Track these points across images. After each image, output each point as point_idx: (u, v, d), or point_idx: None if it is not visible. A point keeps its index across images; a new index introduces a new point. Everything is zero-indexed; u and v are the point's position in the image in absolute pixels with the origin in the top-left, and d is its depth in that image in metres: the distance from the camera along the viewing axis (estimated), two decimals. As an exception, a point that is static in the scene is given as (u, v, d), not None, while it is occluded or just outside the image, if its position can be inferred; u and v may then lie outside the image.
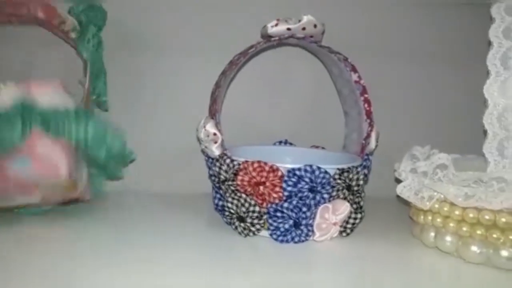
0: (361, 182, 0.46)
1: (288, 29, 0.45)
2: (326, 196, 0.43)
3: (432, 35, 0.61)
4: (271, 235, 0.44)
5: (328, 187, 0.43)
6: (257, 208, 0.43)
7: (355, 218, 0.46)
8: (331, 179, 0.43)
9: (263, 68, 0.61)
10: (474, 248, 0.39)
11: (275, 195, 0.43)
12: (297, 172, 0.42)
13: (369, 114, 0.51)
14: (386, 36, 0.61)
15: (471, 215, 0.38)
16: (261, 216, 0.43)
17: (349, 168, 0.44)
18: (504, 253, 0.37)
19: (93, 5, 0.51)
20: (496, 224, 0.37)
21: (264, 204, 0.43)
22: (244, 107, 0.62)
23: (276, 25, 0.45)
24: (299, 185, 0.42)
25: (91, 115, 0.45)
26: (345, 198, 0.45)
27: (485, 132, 0.37)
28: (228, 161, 0.45)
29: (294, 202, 0.42)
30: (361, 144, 0.52)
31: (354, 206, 0.46)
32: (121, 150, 0.45)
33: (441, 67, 0.61)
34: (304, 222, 0.43)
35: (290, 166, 0.42)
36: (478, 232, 0.38)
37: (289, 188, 0.42)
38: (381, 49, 0.61)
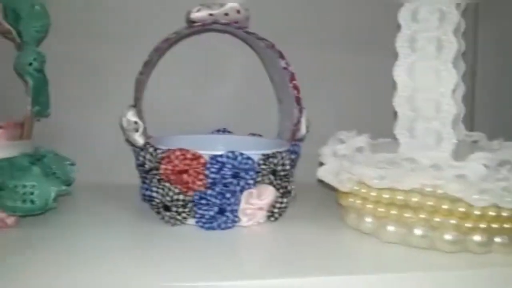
0: (287, 167, 0.46)
1: (211, 14, 0.45)
2: (250, 181, 0.43)
3: (360, 22, 0.62)
4: (197, 222, 0.44)
5: (252, 173, 0.43)
6: (181, 197, 0.43)
7: (281, 203, 0.46)
8: (255, 165, 0.43)
9: (201, 56, 0.61)
10: (390, 228, 0.40)
11: (199, 183, 0.42)
12: (220, 159, 0.42)
13: (298, 100, 0.51)
14: (316, 23, 0.61)
15: (385, 195, 0.39)
16: (186, 204, 0.43)
17: (273, 153, 0.45)
18: (417, 231, 0.39)
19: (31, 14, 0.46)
20: (408, 204, 0.38)
21: (190, 192, 0.43)
22: (184, 95, 0.61)
23: (199, 10, 0.45)
24: (222, 172, 0.42)
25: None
26: (271, 183, 0.45)
27: (395, 114, 0.38)
28: (151, 150, 0.44)
29: (218, 189, 0.42)
30: (292, 130, 0.52)
31: (281, 190, 0.46)
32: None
33: (371, 53, 0.62)
34: (229, 208, 0.43)
35: (212, 153, 0.42)
36: (393, 212, 0.39)
37: (212, 175, 0.42)
38: (312, 35, 0.61)
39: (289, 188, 0.47)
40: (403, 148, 0.38)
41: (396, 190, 0.39)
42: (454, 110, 0.35)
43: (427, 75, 0.36)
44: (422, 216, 0.38)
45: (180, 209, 0.43)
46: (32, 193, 0.42)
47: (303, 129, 0.51)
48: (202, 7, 0.45)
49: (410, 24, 0.36)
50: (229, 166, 0.42)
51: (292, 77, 0.51)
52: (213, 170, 0.42)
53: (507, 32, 0.69)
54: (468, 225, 0.37)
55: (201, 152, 0.42)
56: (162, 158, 0.43)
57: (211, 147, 0.53)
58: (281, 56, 0.50)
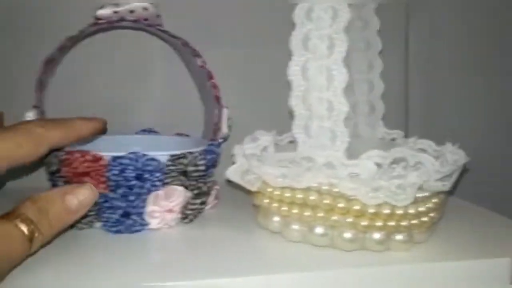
0: (201, 168, 0.45)
1: (115, 12, 0.44)
2: (157, 183, 0.42)
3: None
4: (103, 226, 0.42)
5: (158, 174, 0.42)
6: None
7: (194, 204, 0.45)
8: (162, 166, 0.42)
9: (126, 55, 0.60)
10: (293, 227, 0.40)
11: (101, 185, 0.41)
12: (121, 161, 0.41)
13: (217, 99, 0.51)
14: (238, 19, 0.61)
15: (287, 194, 0.39)
16: (90, 208, 0.42)
17: (183, 154, 0.44)
18: (318, 230, 0.39)
19: None
20: (307, 203, 0.38)
21: (94, 195, 0.42)
22: (111, 95, 0.60)
23: (103, 7, 0.44)
24: (124, 174, 0.41)
25: None
26: (182, 184, 0.44)
27: (290, 114, 0.38)
28: (54, 151, 0.43)
29: (121, 191, 0.41)
30: (213, 130, 0.52)
31: (195, 191, 0.45)
32: None
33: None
34: (134, 211, 0.42)
35: (113, 154, 0.41)
36: (294, 211, 0.39)
37: (113, 177, 0.41)
38: (233, 32, 0.61)
39: (204, 189, 0.47)
40: (300, 147, 0.38)
41: (296, 189, 0.38)
42: (345, 108, 0.35)
43: (319, 74, 0.35)
44: (320, 214, 0.38)
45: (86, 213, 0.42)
46: None
47: (224, 129, 0.51)
48: (107, 5, 0.44)
49: (304, 22, 0.36)
50: (132, 168, 0.41)
51: (210, 76, 0.50)
52: (114, 172, 0.41)
53: (438, 29, 0.71)
54: (364, 223, 0.37)
55: (102, 153, 0.41)
56: (63, 160, 0.41)
57: (129, 148, 0.52)
58: (197, 55, 0.50)
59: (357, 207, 0.37)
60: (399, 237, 0.38)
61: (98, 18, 0.44)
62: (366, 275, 0.37)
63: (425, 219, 0.38)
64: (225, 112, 0.51)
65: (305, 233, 0.39)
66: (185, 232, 0.44)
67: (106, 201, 0.41)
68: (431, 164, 0.36)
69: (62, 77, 0.57)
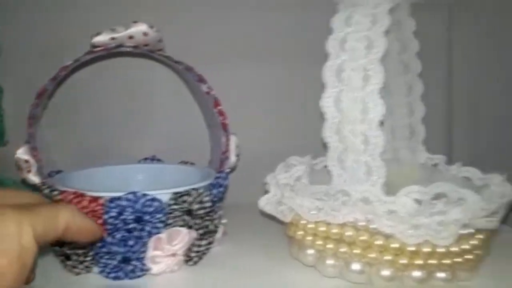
0: (207, 205, 0.40)
1: (113, 38, 0.40)
2: (159, 225, 0.38)
3: (284, 35, 0.58)
4: (101, 272, 0.38)
5: (160, 215, 0.37)
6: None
7: (200, 246, 0.40)
8: (164, 206, 0.38)
9: (128, 81, 0.56)
10: (329, 262, 0.36)
11: (99, 228, 0.36)
12: (119, 202, 0.36)
13: (225, 126, 0.46)
14: (239, 40, 0.57)
15: (321, 228, 0.36)
16: (87, 252, 0.37)
17: (187, 191, 0.39)
18: (355, 267, 0.35)
19: None
20: (343, 239, 0.35)
21: (91, 239, 0.37)
22: (112, 122, 0.57)
23: (99, 34, 0.39)
24: (122, 216, 0.36)
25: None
26: (186, 224, 0.39)
27: (324, 145, 0.35)
28: (47, 191, 0.38)
29: (119, 236, 0.36)
30: (220, 159, 0.47)
31: (201, 231, 0.41)
32: None
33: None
34: (134, 256, 0.37)
35: (111, 195, 0.36)
36: (329, 246, 0.36)
37: (111, 220, 0.36)
38: (238, 52, 0.57)
39: (211, 227, 0.42)
40: (335, 180, 0.34)
41: (331, 223, 0.35)
42: (381, 142, 0.32)
43: (353, 106, 0.32)
44: (356, 251, 0.34)
45: (81, 258, 0.37)
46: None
47: (232, 158, 0.46)
48: (104, 31, 0.40)
49: (339, 53, 0.33)
50: (130, 210, 0.36)
51: (216, 102, 0.46)
52: (112, 214, 0.36)
53: (482, 47, 0.62)
54: (403, 261, 0.33)
55: (99, 194, 0.36)
56: (58, 201, 0.37)
57: (130, 180, 0.48)
58: (202, 80, 0.45)
59: (395, 245, 0.33)
60: (441, 275, 0.34)
61: (94, 46, 0.40)
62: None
63: (469, 256, 0.34)
64: (233, 140, 0.47)
65: (341, 268, 0.35)
66: (191, 276, 0.39)
67: (103, 246, 0.37)
68: (473, 203, 0.32)
69: (60, 107, 0.53)
